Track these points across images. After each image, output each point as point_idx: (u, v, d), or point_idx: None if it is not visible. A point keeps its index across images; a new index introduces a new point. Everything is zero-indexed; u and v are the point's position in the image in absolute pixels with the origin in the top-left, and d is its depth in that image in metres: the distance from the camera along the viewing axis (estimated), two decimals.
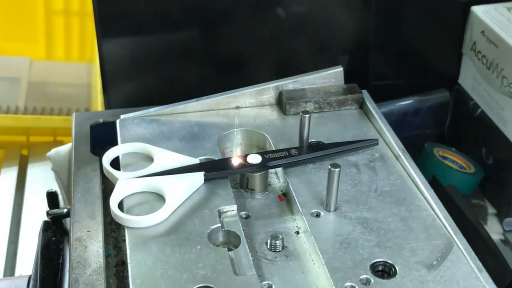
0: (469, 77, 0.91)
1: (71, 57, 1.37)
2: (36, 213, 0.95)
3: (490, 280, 0.53)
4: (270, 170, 0.65)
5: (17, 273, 0.87)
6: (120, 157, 0.65)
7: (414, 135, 0.94)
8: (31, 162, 1.10)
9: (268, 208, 0.62)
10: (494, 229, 0.85)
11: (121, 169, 0.63)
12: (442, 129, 0.96)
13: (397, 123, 0.89)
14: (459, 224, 0.58)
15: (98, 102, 1.09)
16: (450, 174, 0.87)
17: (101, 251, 0.57)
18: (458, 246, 0.56)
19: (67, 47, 1.37)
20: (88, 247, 0.57)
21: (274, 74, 0.74)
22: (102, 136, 0.72)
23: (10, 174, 1.07)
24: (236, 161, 0.63)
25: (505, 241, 0.85)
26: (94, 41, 0.85)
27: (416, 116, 0.94)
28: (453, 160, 0.90)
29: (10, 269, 0.88)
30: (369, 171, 0.64)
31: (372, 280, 0.52)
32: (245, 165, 0.62)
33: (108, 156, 0.64)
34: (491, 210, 0.88)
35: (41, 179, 1.03)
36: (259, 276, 0.53)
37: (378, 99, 0.79)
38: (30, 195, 1.01)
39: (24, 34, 1.35)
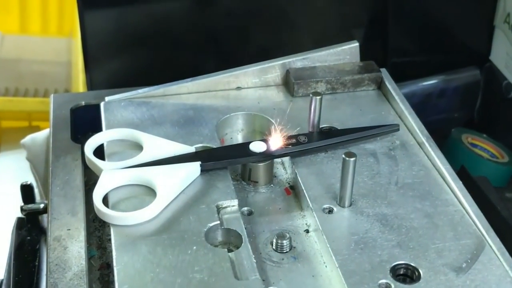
0: (502, 53, 0.91)
1: (48, 31, 1.37)
2: (8, 209, 0.95)
3: None
4: (275, 160, 0.65)
5: None
6: (104, 145, 0.65)
7: (439, 120, 0.95)
8: (3, 150, 1.10)
9: (273, 203, 0.62)
10: None
11: (106, 159, 0.64)
12: (471, 112, 0.97)
13: (420, 105, 0.90)
14: (490, 220, 0.58)
15: (79, 82, 1.09)
16: (481, 164, 0.88)
17: (83, 252, 0.57)
18: (491, 246, 0.56)
19: (43, 19, 1.36)
20: (68, 248, 0.57)
21: (280, 50, 0.74)
22: (84, 121, 0.72)
23: None
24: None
25: None
26: (75, 13, 0.85)
27: (442, 98, 0.94)
28: (483, 148, 0.91)
29: None
30: (389, 160, 0.64)
31: (393, 286, 0.52)
32: (248, 154, 0.62)
33: (90, 144, 0.64)
34: None
35: (14, 170, 1.04)
36: (263, 280, 0.53)
37: (399, 79, 0.79)
38: (1, 188, 1.02)
39: None
